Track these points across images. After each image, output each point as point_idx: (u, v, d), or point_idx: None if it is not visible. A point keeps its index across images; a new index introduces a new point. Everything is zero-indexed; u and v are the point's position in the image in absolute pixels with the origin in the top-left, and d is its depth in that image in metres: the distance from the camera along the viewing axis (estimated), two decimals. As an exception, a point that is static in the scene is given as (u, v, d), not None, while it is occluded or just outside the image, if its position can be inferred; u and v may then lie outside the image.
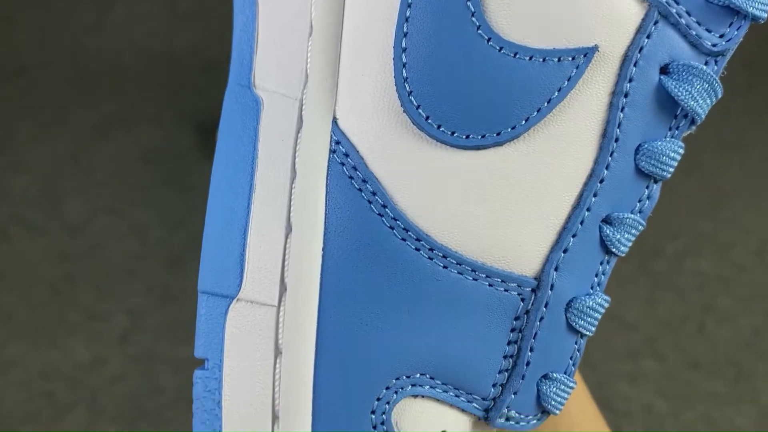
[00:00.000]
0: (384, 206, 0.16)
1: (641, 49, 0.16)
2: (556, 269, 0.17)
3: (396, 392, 0.16)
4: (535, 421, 0.17)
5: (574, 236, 0.17)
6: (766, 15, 0.18)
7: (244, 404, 0.16)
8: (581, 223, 0.17)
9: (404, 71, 0.15)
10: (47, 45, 0.99)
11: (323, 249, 0.16)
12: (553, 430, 0.21)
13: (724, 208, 0.81)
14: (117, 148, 0.86)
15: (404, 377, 0.16)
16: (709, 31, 0.17)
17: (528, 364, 0.16)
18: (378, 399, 0.15)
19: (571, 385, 0.17)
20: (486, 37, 0.15)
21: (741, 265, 0.75)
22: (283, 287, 0.16)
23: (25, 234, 0.76)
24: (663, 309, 0.71)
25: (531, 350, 0.16)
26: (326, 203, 0.16)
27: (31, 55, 0.97)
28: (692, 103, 0.17)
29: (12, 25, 1.01)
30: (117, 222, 0.77)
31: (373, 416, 0.15)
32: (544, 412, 0.17)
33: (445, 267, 0.16)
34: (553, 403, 0.17)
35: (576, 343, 0.17)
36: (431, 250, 0.16)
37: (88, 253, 0.75)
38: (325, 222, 0.16)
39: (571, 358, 0.17)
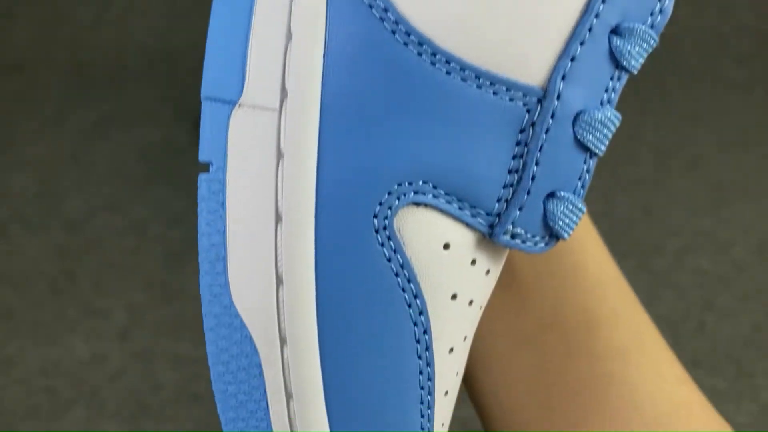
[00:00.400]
0: (386, 10, 0.16)
1: None
2: (563, 78, 0.16)
3: (398, 198, 0.15)
4: (543, 245, 0.17)
5: (582, 44, 0.16)
6: None
7: (248, 205, 0.16)
8: (589, 30, 0.16)
9: None
10: (46, 42, 0.99)
11: (324, 55, 0.16)
12: (571, 288, 0.20)
13: (724, 206, 0.81)
14: (116, 145, 0.86)
15: (406, 183, 0.15)
16: None
17: (534, 178, 0.16)
18: (380, 203, 0.15)
19: (581, 207, 0.17)
20: None
21: (741, 263, 0.75)
22: (284, 92, 0.16)
23: (25, 231, 0.76)
24: (663, 307, 0.71)
25: (537, 164, 0.16)
26: (327, 10, 0.16)
27: (29, 52, 0.97)
28: None
29: (10, 23, 1.01)
30: (116, 219, 0.77)
31: (376, 220, 0.15)
32: (553, 235, 0.17)
33: (448, 73, 0.16)
34: (561, 224, 0.17)
35: (585, 162, 0.17)
36: (434, 54, 0.15)
37: (87, 250, 0.75)
38: (326, 28, 0.16)
39: (579, 179, 0.17)
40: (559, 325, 0.20)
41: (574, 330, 0.20)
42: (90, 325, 0.68)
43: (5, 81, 0.94)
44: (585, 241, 0.21)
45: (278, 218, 0.16)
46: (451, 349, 0.17)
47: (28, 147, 0.85)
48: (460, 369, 0.18)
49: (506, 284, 0.21)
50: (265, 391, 0.16)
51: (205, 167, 0.16)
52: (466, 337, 0.18)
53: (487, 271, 0.17)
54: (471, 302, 0.17)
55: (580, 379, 0.20)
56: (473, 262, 0.17)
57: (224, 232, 0.16)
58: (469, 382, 0.22)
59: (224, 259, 0.16)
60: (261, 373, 0.16)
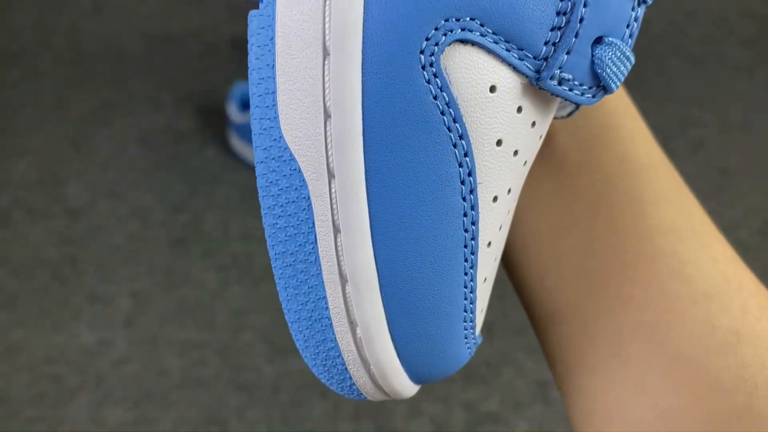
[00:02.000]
0: None
1: None
2: None
3: (445, 34, 0.15)
4: (590, 95, 0.17)
5: None
6: None
7: (296, 39, 0.16)
8: None
9: None
10: (45, 30, 0.98)
11: None
12: (619, 172, 0.20)
13: (729, 188, 0.81)
14: (117, 131, 0.85)
15: (453, 19, 0.16)
16: None
17: (582, 20, 0.16)
18: (427, 39, 0.15)
19: (629, 55, 0.17)
20: None
21: (746, 245, 0.75)
22: None
23: (27, 218, 0.76)
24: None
25: (585, 5, 0.16)
26: None
27: (29, 40, 0.97)
28: None
29: (10, 10, 1.01)
30: (118, 205, 0.77)
31: (422, 56, 0.15)
32: (600, 86, 0.17)
33: None
34: (609, 71, 0.17)
35: (633, 9, 0.17)
36: None
37: (89, 237, 0.75)
38: None
39: (627, 27, 0.17)
40: (607, 208, 0.20)
41: (622, 211, 0.20)
42: (94, 312, 0.68)
43: (5, 69, 0.93)
44: (633, 129, 0.21)
45: (326, 52, 0.16)
46: (495, 198, 0.17)
47: (29, 135, 0.85)
48: (504, 224, 0.18)
49: (554, 170, 0.21)
50: (313, 225, 0.16)
51: (255, 4, 0.16)
52: (510, 190, 0.18)
53: (533, 123, 0.17)
54: (516, 153, 0.17)
55: (628, 256, 0.20)
56: (519, 109, 0.17)
57: (273, 66, 0.16)
58: (514, 269, 0.22)
59: (274, 93, 0.16)
60: (310, 206, 0.16)
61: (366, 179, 0.16)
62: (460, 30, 0.16)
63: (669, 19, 1.02)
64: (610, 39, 0.17)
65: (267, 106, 0.16)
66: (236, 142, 0.82)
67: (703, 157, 0.84)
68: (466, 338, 0.18)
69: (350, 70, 0.15)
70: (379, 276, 0.16)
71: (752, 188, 0.81)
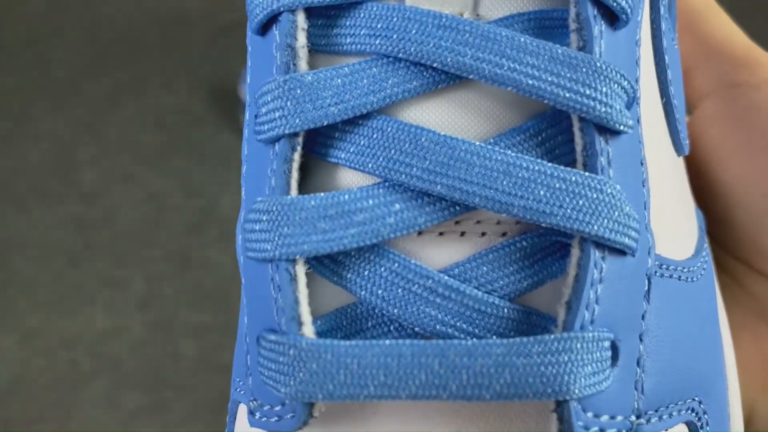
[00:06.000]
0: None
1: None
2: None
3: None
4: None
5: None
6: None
7: None
8: None
9: None
10: (58, 15, 0.98)
11: None
12: None
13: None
14: (131, 115, 0.85)
15: None
16: None
17: None
18: None
19: None
20: None
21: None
22: None
23: (42, 203, 0.76)
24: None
25: None
26: None
27: (42, 25, 0.97)
28: None
29: (23, -5, 1.00)
30: (133, 189, 0.77)
31: None
32: None
33: None
34: None
35: None
36: None
37: (104, 221, 0.74)
38: None
39: None
40: None
41: None
42: (109, 297, 0.68)
43: (18, 54, 0.93)
44: None
45: None
46: None
47: (43, 120, 0.85)
48: None
49: None
50: None
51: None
52: None
53: None
54: None
55: None
56: None
57: None
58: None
59: None
60: None
61: None
62: None
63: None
64: None
65: None
66: (250, 124, 0.81)
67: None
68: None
69: None
70: None
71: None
